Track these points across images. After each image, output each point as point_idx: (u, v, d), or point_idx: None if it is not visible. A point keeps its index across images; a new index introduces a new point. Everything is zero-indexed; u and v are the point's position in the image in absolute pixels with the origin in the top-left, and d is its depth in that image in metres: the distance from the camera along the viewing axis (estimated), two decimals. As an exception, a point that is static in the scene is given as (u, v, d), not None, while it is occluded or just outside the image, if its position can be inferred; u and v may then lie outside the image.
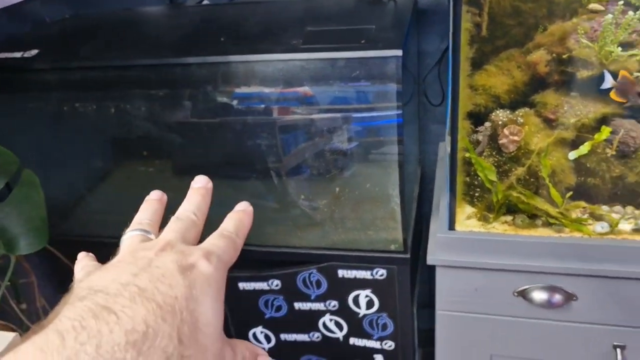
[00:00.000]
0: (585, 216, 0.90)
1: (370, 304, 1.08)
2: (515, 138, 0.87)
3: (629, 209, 0.89)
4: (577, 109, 0.84)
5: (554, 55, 0.81)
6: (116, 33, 1.12)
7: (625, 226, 0.88)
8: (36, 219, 0.87)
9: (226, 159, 1.07)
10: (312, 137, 0.98)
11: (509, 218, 0.94)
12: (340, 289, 1.07)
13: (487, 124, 0.89)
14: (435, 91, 1.26)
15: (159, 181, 1.12)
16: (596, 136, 0.84)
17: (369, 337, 1.13)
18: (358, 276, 1.04)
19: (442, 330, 1.03)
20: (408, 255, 1.00)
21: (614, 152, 0.85)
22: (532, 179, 0.90)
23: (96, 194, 1.17)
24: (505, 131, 0.87)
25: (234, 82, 0.94)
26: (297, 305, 1.11)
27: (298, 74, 0.90)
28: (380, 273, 1.02)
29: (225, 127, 1.00)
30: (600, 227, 0.88)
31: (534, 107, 0.86)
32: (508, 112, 0.87)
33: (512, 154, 0.89)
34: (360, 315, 1.10)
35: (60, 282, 1.20)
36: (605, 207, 0.90)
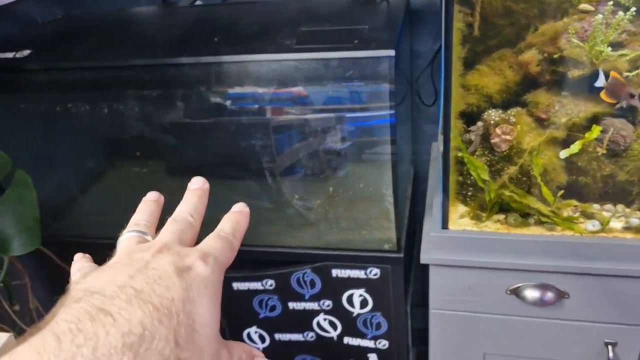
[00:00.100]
0: (577, 214, 0.91)
1: (364, 304, 1.08)
2: (508, 137, 0.88)
3: (620, 207, 0.90)
4: (568, 108, 0.85)
5: (546, 55, 0.82)
6: (109, 33, 1.11)
7: (616, 224, 0.89)
8: (29, 220, 0.87)
9: (220, 160, 1.07)
10: (306, 137, 0.98)
11: (501, 217, 0.94)
12: (334, 289, 1.07)
13: (480, 123, 0.89)
14: (428, 91, 1.26)
15: (152, 182, 1.12)
16: (587, 135, 0.85)
17: (363, 336, 1.13)
18: (352, 276, 1.04)
19: (435, 329, 1.03)
20: (402, 255, 1.01)
21: (604, 151, 0.85)
22: (524, 178, 0.91)
23: (89, 195, 1.17)
24: (498, 130, 0.88)
25: (227, 82, 0.94)
26: (292, 305, 1.11)
27: (291, 74, 0.90)
28: (374, 272, 1.03)
29: (219, 128, 1.00)
30: (591, 225, 0.89)
31: (525, 106, 0.87)
32: (500, 111, 0.87)
33: (505, 153, 0.89)
34: (354, 314, 1.10)
35: (53, 284, 1.19)
36: (596, 206, 0.91)
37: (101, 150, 1.14)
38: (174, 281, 0.28)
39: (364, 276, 1.04)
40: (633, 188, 0.88)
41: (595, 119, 0.84)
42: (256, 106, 0.95)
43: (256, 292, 1.11)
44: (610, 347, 0.95)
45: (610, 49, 0.78)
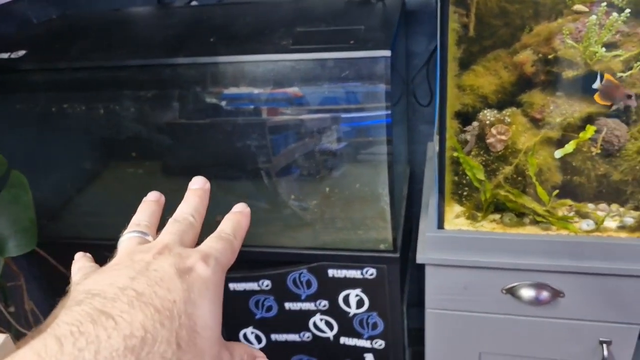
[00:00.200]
0: (572, 214, 0.91)
1: (360, 303, 1.08)
2: (503, 137, 0.88)
3: (614, 206, 0.91)
4: (562, 109, 0.86)
5: (540, 55, 0.82)
6: (104, 34, 1.11)
7: (611, 224, 0.90)
8: (25, 220, 0.87)
9: (216, 160, 1.07)
10: (302, 138, 0.98)
11: (497, 216, 0.95)
12: (330, 289, 1.07)
13: (475, 123, 0.90)
14: (423, 92, 1.27)
15: (148, 182, 1.12)
16: (581, 135, 0.85)
17: (359, 336, 1.13)
18: (348, 276, 1.05)
19: (431, 328, 1.04)
20: (398, 255, 1.01)
21: (598, 151, 0.86)
22: (519, 178, 0.91)
23: (85, 196, 1.17)
24: (493, 130, 0.88)
25: (223, 82, 0.94)
26: (288, 305, 1.11)
27: (288, 75, 0.91)
28: (370, 272, 1.03)
29: (215, 128, 1.00)
30: (586, 224, 0.90)
31: (520, 106, 0.87)
32: (495, 111, 0.88)
33: (500, 153, 0.90)
34: (351, 314, 1.10)
35: (49, 285, 1.19)
36: (590, 205, 0.91)
37: (97, 150, 1.14)
38: (175, 283, 0.27)
39: (360, 276, 1.04)
40: (627, 187, 0.88)
41: (589, 119, 0.85)
42: (252, 107, 0.95)
43: (252, 292, 1.11)
44: (605, 345, 0.95)
45: (604, 49, 0.79)
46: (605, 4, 0.76)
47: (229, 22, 1.09)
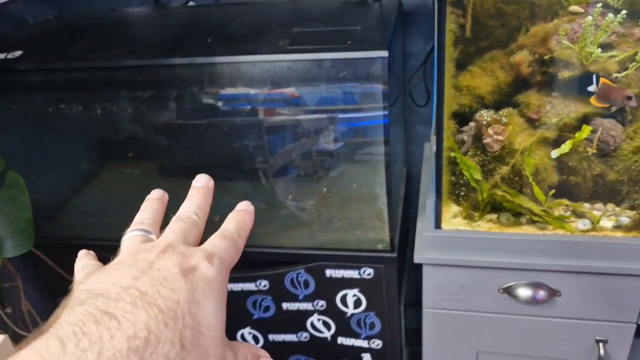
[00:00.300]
0: (568, 214, 0.92)
1: (357, 303, 1.08)
2: (500, 137, 0.88)
3: (610, 206, 0.91)
4: (558, 109, 0.86)
5: (536, 56, 0.83)
6: (101, 34, 1.11)
7: (607, 223, 0.90)
8: (22, 221, 0.86)
9: (213, 160, 1.07)
10: (300, 138, 0.98)
11: (494, 216, 0.95)
12: (328, 289, 1.07)
13: (472, 123, 0.90)
14: (420, 92, 1.27)
15: (145, 183, 1.12)
16: (577, 135, 0.86)
17: (356, 336, 1.14)
18: (346, 276, 1.05)
19: (429, 328, 1.04)
20: (395, 255, 1.01)
21: (594, 151, 0.87)
22: (516, 178, 0.91)
23: (82, 196, 1.17)
24: (490, 131, 0.89)
25: (220, 83, 0.94)
26: (285, 305, 1.12)
27: (285, 75, 0.91)
28: (368, 272, 1.03)
29: (212, 129, 1.00)
30: (582, 224, 0.90)
31: (517, 107, 0.88)
32: (492, 112, 0.88)
33: (497, 153, 0.90)
34: (348, 314, 1.10)
35: (46, 286, 1.19)
36: (586, 205, 0.92)
37: (94, 151, 1.13)
38: (179, 282, 0.27)
39: (358, 276, 1.04)
40: (623, 187, 0.89)
41: (585, 119, 0.86)
42: (249, 107, 0.96)
43: (250, 292, 1.11)
44: (601, 344, 0.96)
45: (600, 50, 0.79)
46: (600, 5, 0.76)
47: (226, 23, 1.09)
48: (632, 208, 0.90)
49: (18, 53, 0.99)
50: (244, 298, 1.11)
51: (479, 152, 0.91)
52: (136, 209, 0.37)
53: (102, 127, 1.05)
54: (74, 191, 1.17)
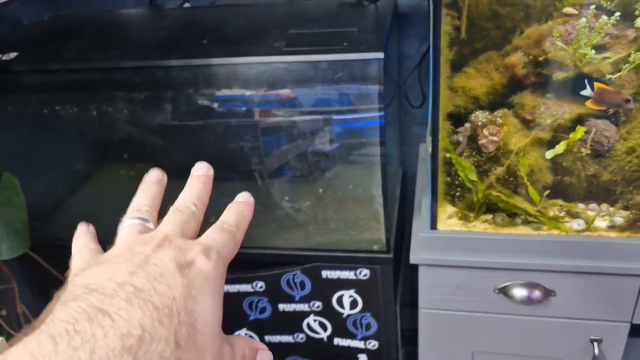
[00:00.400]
0: (562, 214, 0.92)
1: (354, 304, 1.08)
2: (495, 138, 0.89)
3: (604, 206, 0.92)
4: (553, 110, 0.87)
5: (531, 57, 0.83)
6: (96, 35, 1.11)
7: (601, 223, 0.91)
8: (17, 223, 0.86)
9: (209, 162, 1.07)
10: (295, 139, 0.98)
11: (489, 217, 0.96)
12: (324, 290, 1.08)
13: (467, 124, 0.91)
14: (415, 94, 1.28)
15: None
16: (571, 136, 0.86)
17: (352, 337, 1.14)
18: (342, 277, 1.05)
19: (424, 328, 1.04)
20: (391, 255, 1.02)
21: (588, 151, 0.87)
22: (511, 178, 0.92)
23: (78, 198, 1.16)
24: (485, 132, 0.89)
25: (216, 84, 0.94)
26: (282, 306, 1.12)
27: (281, 77, 0.91)
28: (364, 273, 1.03)
29: (208, 130, 1.00)
30: (576, 224, 0.91)
31: (512, 108, 0.88)
32: (487, 113, 0.89)
33: (492, 154, 0.91)
34: (344, 315, 1.10)
35: (41, 288, 1.18)
36: (581, 205, 0.93)
37: (90, 152, 1.13)
38: (175, 278, 0.27)
39: (354, 277, 1.04)
40: (616, 187, 0.90)
41: (579, 120, 0.86)
42: (245, 108, 0.96)
43: (246, 294, 1.11)
44: (595, 343, 0.96)
45: (593, 51, 0.80)
46: (594, 6, 0.77)
47: (221, 24, 1.09)
48: (625, 208, 0.90)
49: (13, 54, 0.99)
50: (240, 299, 1.11)
51: (474, 153, 0.92)
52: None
53: (98, 128, 1.05)
54: (69, 192, 1.17)
